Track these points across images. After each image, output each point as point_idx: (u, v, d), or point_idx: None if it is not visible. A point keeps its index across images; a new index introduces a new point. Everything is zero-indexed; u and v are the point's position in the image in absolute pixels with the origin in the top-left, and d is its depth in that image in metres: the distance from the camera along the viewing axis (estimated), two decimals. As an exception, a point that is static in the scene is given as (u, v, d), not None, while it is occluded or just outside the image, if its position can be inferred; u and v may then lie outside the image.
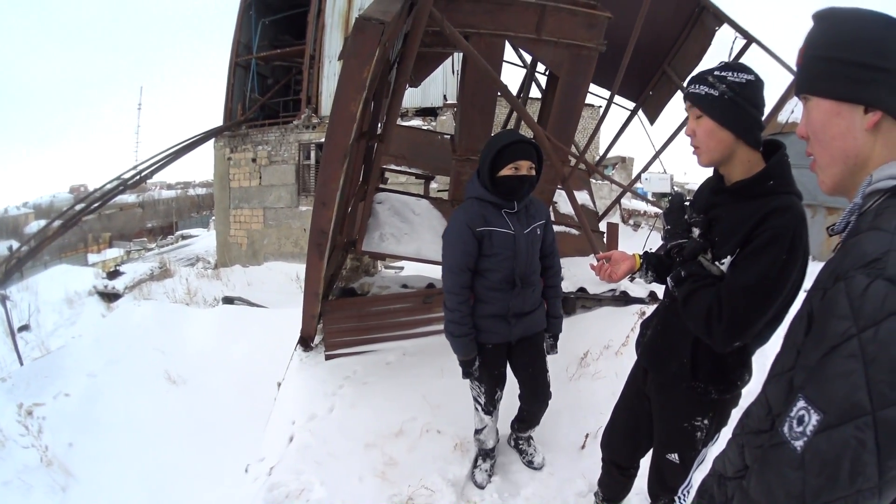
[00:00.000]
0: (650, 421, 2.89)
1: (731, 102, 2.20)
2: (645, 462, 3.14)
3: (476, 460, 4.39)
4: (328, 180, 4.25)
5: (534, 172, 3.52)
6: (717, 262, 2.25)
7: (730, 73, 2.22)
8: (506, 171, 3.44)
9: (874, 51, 1.35)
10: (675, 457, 2.72)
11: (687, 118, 2.35)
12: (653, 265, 2.71)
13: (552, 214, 7.21)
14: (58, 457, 6.98)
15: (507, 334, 3.77)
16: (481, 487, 4.21)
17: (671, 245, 2.49)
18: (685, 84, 2.34)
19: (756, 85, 2.21)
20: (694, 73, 2.37)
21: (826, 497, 1.16)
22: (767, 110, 2.58)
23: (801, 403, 1.26)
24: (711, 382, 2.50)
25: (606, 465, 3.36)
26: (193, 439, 7.28)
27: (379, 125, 6.80)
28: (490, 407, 4.03)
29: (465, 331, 3.65)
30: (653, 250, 2.79)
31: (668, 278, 2.44)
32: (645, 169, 10.33)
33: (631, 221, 23.14)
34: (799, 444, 1.23)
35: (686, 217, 2.45)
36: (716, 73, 2.25)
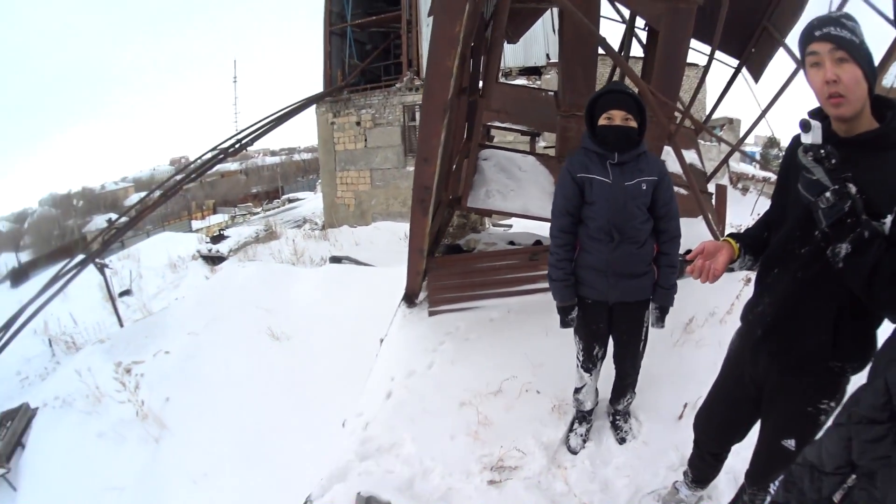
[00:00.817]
0: (752, 409, 2.70)
1: (866, 49, 2.02)
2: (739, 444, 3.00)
3: (572, 424, 4.34)
4: (429, 136, 4.26)
5: (632, 124, 3.48)
6: (881, 222, 1.96)
7: (852, 21, 2.04)
8: (601, 121, 3.47)
9: None
10: (791, 443, 2.50)
11: (796, 71, 2.19)
12: (749, 247, 2.53)
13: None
14: (153, 410, 7.31)
15: (605, 292, 3.69)
16: (574, 453, 4.16)
17: (847, 206, 1.97)
18: (811, 27, 2.09)
19: (861, 33, 2.02)
20: (813, 19, 2.12)
21: None
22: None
23: None
24: (849, 360, 2.28)
25: (699, 450, 3.23)
26: (293, 394, 7.46)
27: (480, 82, 6.75)
28: (589, 364, 3.98)
29: (560, 275, 3.66)
30: (739, 230, 2.61)
31: (844, 244, 1.99)
32: (751, 129, 10.00)
33: (739, 185, 22.55)
34: None
35: (842, 175, 2.01)
36: (844, 20, 2.04)
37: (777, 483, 2.53)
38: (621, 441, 4.25)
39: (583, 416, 4.31)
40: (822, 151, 2.00)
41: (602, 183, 3.51)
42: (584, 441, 4.23)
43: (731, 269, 2.65)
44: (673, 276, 3.70)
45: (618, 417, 4.36)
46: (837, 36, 2.01)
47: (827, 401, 2.37)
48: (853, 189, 1.96)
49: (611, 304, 3.77)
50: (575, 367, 4.10)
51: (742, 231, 2.65)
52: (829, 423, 1.52)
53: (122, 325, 13.04)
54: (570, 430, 4.30)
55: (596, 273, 3.65)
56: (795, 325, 2.37)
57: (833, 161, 1.98)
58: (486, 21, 6.08)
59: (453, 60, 3.88)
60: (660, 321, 3.84)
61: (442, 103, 4.05)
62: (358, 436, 4.40)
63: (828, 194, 1.98)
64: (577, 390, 4.19)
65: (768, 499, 2.76)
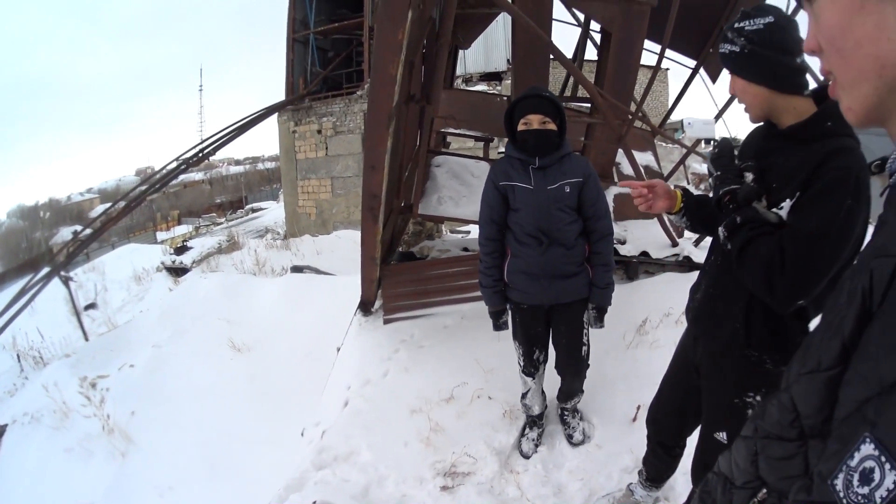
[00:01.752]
0: (699, 396, 2.71)
1: (752, 55, 2.08)
2: (692, 441, 2.96)
3: (524, 429, 4.37)
4: (375, 144, 4.26)
5: (551, 126, 3.52)
6: (774, 209, 2.07)
7: (747, 23, 2.09)
8: (520, 127, 3.53)
9: None
10: (723, 436, 2.51)
11: None
12: (691, 209, 2.56)
13: (615, 175, 7.09)
14: (119, 425, 7.20)
15: (540, 296, 3.73)
16: (527, 457, 4.18)
17: (723, 191, 2.19)
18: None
19: (776, 26, 2.06)
20: None
21: None
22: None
23: (868, 449, 0.81)
24: (767, 351, 2.30)
25: (651, 443, 3.22)
26: (254, 405, 7.42)
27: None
28: (530, 368, 4.01)
29: (489, 282, 3.76)
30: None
31: (721, 228, 2.19)
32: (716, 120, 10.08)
33: (702, 186, 22.77)
34: None
35: (738, 163, 2.25)
36: (735, 25, 2.12)
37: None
38: (569, 438, 4.29)
39: (533, 421, 4.35)
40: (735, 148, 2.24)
41: (524, 189, 3.57)
42: (536, 445, 4.25)
43: (671, 220, 2.87)
44: (607, 275, 3.75)
45: (566, 413, 4.40)
46: (721, 54, 2.17)
47: (752, 394, 2.38)
48: (749, 177, 2.11)
49: (547, 308, 3.82)
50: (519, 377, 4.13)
51: (697, 194, 2.68)
52: (745, 432, 1.51)
53: (87, 340, 12.96)
54: (522, 434, 4.33)
55: (527, 277, 3.70)
56: (715, 311, 2.45)
57: (737, 154, 2.22)
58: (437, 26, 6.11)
59: (396, 68, 3.89)
60: (598, 321, 3.87)
61: (386, 111, 4.05)
62: (315, 445, 4.42)
63: (712, 180, 2.21)
64: (523, 395, 4.21)
65: None
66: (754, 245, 2.03)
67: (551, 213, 3.58)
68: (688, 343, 2.75)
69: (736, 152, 2.29)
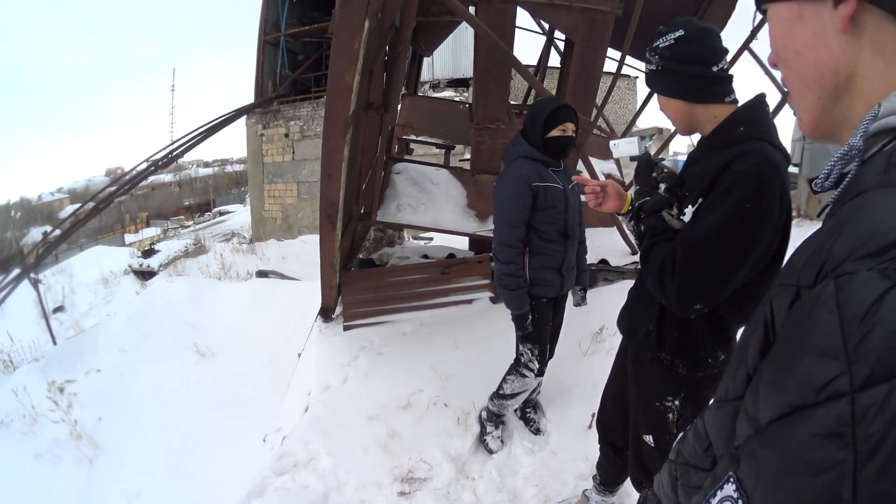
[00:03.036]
0: None
1: (665, 71, 2.17)
2: None
3: (485, 428, 4.43)
4: (332, 152, 4.29)
5: (575, 134, 3.80)
6: (681, 217, 2.12)
7: (661, 40, 2.17)
8: (555, 133, 3.71)
9: None
10: (650, 439, 2.57)
11: None
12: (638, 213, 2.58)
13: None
14: (87, 430, 7.17)
15: (559, 287, 3.96)
16: (493, 452, 4.28)
17: (637, 203, 2.28)
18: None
19: (687, 38, 2.12)
20: None
21: None
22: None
23: (729, 489, 0.81)
24: (678, 355, 2.32)
25: (602, 446, 3.26)
26: (217, 411, 7.40)
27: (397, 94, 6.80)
28: (544, 367, 4.12)
29: (520, 283, 3.80)
30: None
31: (633, 235, 2.31)
32: (670, 139, 10.20)
33: (666, 193, 22.97)
34: None
35: (654, 174, 2.31)
36: (651, 45, 2.20)
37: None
38: (536, 432, 4.45)
39: (501, 421, 4.43)
40: (654, 162, 2.35)
41: (556, 189, 3.80)
42: (503, 442, 4.37)
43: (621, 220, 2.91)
44: (586, 260, 4.28)
45: (528, 409, 4.55)
46: (645, 74, 2.28)
47: (671, 398, 2.43)
48: (662, 188, 2.19)
49: (558, 298, 4.10)
50: (515, 375, 4.13)
51: None
52: (670, 455, 1.51)
53: (55, 343, 12.84)
54: (486, 433, 4.40)
55: (551, 272, 3.90)
56: (634, 315, 2.54)
57: (656, 172, 2.29)
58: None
59: (353, 76, 3.92)
60: (584, 300, 4.25)
61: (342, 119, 4.08)
62: (276, 451, 4.42)
63: (633, 193, 2.30)
64: (511, 395, 4.19)
65: None
66: (654, 251, 2.10)
67: (578, 210, 3.98)
68: (621, 348, 2.83)
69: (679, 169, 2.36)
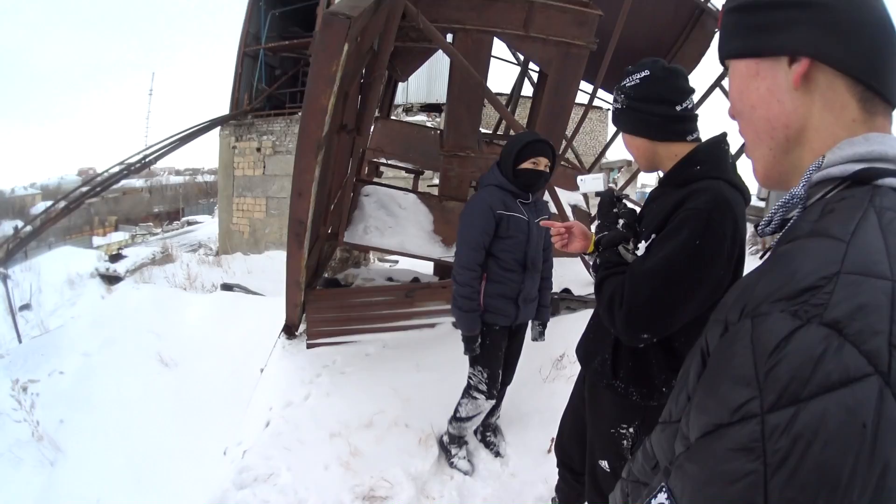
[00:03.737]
0: None
1: (629, 110, 2.25)
2: None
3: (450, 451, 4.50)
4: (303, 172, 4.33)
5: (548, 170, 3.89)
6: (635, 252, 2.18)
7: (627, 80, 2.26)
8: (526, 165, 3.81)
9: None
10: (605, 465, 2.59)
11: None
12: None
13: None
14: (48, 432, 7.18)
15: (513, 317, 4.03)
16: (468, 474, 4.37)
17: (597, 238, 2.36)
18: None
19: (652, 78, 2.21)
20: None
21: None
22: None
23: (661, 498, 0.93)
24: (633, 384, 2.37)
25: (561, 469, 3.29)
26: (179, 421, 7.40)
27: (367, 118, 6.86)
28: (493, 390, 4.17)
29: (473, 306, 3.90)
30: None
31: (591, 269, 2.40)
32: (637, 173, 10.38)
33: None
34: None
35: (615, 210, 2.41)
36: (618, 85, 2.30)
37: None
38: (497, 455, 4.54)
39: (463, 441, 4.51)
40: (616, 198, 2.46)
41: (520, 220, 3.89)
42: (471, 462, 4.46)
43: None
44: (549, 297, 4.40)
45: (488, 434, 4.65)
46: (612, 113, 2.38)
47: (626, 426, 2.47)
48: (620, 223, 2.30)
49: (512, 328, 4.16)
50: (468, 398, 4.23)
51: None
52: (622, 474, 1.59)
53: (20, 341, 12.74)
54: (452, 455, 4.47)
55: (506, 301, 3.98)
56: (590, 344, 2.61)
57: (617, 208, 2.39)
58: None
59: (328, 99, 3.97)
60: (542, 335, 4.37)
61: (315, 140, 4.13)
62: (236, 464, 4.40)
63: (594, 228, 2.41)
64: (467, 418, 4.30)
65: None
66: (606, 282, 2.16)
67: (540, 244, 4.06)
68: (580, 376, 2.89)
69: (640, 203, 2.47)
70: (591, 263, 2.37)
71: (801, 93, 1.00)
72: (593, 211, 9.51)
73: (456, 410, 4.30)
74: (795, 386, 0.72)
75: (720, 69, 7.55)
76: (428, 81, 19.96)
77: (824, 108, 0.99)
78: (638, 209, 2.47)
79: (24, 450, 6.99)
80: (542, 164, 3.82)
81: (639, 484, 1.32)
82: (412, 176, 9.54)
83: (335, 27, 3.72)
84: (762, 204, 11.21)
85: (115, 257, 22.93)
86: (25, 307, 17.20)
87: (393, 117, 12.77)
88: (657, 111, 2.20)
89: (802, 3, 1.00)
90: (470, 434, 4.59)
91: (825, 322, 0.73)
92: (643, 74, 2.21)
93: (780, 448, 0.71)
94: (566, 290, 6.62)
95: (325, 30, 3.76)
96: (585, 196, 9.17)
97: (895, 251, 0.79)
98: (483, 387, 4.12)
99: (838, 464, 0.68)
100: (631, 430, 2.46)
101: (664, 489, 0.92)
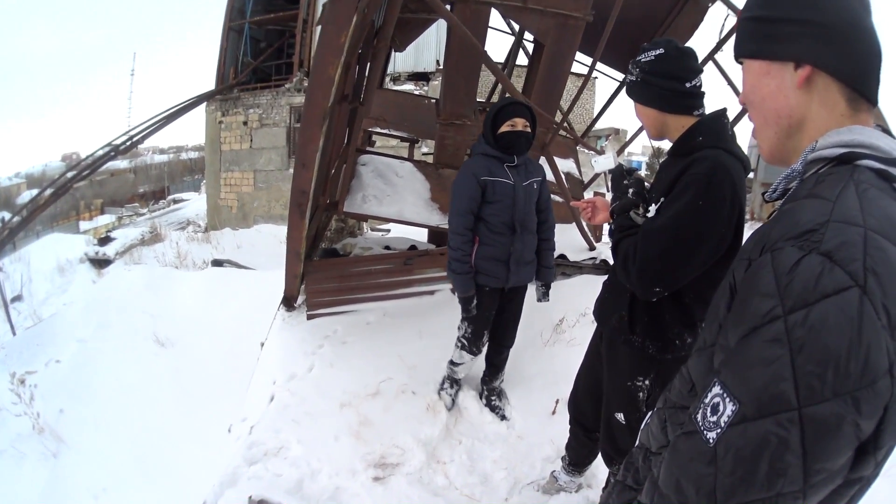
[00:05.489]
0: None
1: (644, 83, 2.45)
2: None
3: (442, 384, 4.74)
4: (307, 142, 4.31)
5: (529, 129, 4.00)
6: (646, 215, 2.38)
7: (642, 55, 2.45)
8: (504, 128, 3.95)
9: (796, 3, 1.28)
10: (620, 417, 2.75)
11: None
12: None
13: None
14: (49, 424, 7.11)
15: (504, 279, 4.16)
16: (448, 408, 4.60)
17: (611, 207, 2.58)
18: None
19: (666, 56, 2.41)
20: None
21: (741, 497, 1.04)
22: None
23: (716, 389, 1.14)
24: (648, 337, 2.55)
25: (572, 426, 3.39)
26: (180, 402, 7.40)
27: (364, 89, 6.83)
28: (474, 348, 4.38)
29: (465, 269, 4.07)
30: None
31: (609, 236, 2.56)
32: (632, 140, 10.42)
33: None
34: (712, 435, 1.10)
35: (625, 182, 2.60)
36: (634, 59, 2.48)
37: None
38: (503, 418, 4.60)
39: (454, 382, 4.72)
40: (625, 171, 2.68)
41: (505, 184, 4.02)
42: (454, 400, 4.69)
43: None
44: (552, 257, 4.45)
45: (493, 398, 4.73)
46: (626, 85, 2.56)
47: (642, 378, 2.64)
48: (630, 192, 2.49)
49: (506, 290, 4.28)
50: (455, 347, 4.47)
51: None
52: (658, 404, 1.70)
53: (14, 333, 12.68)
54: (441, 389, 4.73)
55: (496, 263, 4.13)
56: (607, 303, 2.77)
57: (627, 180, 2.60)
58: (377, 29, 6.15)
59: (336, 69, 3.96)
60: (546, 296, 4.45)
61: (321, 111, 4.12)
62: (244, 441, 4.38)
63: (609, 200, 2.64)
64: (455, 363, 4.58)
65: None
66: (621, 244, 2.40)
67: (527, 205, 4.13)
68: (596, 334, 3.05)
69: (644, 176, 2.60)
70: (608, 230, 2.56)
71: (802, 91, 1.28)
72: (586, 178, 9.56)
73: (452, 355, 4.59)
74: (805, 294, 1.00)
75: (713, 43, 7.68)
76: (415, 51, 19.88)
77: (820, 105, 1.27)
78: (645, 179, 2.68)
79: (27, 444, 6.93)
80: (520, 124, 3.94)
81: (676, 409, 1.54)
82: (405, 145, 9.55)
83: (345, 0, 3.72)
84: (751, 175, 11.34)
85: (104, 240, 22.93)
86: (17, 298, 17.14)
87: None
88: (668, 86, 2.41)
89: (807, 21, 1.25)
90: (476, 399, 4.71)
91: (821, 252, 1.02)
92: (658, 52, 2.41)
93: (799, 336, 0.99)
94: (562, 256, 6.64)
95: (336, 2, 3.76)
96: (577, 163, 9.21)
97: (867, 208, 1.07)
98: (467, 339, 4.34)
99: (838, 345, 0.96)
100: (647, 382, 2.63)
101: (717, 383, 1.15)
